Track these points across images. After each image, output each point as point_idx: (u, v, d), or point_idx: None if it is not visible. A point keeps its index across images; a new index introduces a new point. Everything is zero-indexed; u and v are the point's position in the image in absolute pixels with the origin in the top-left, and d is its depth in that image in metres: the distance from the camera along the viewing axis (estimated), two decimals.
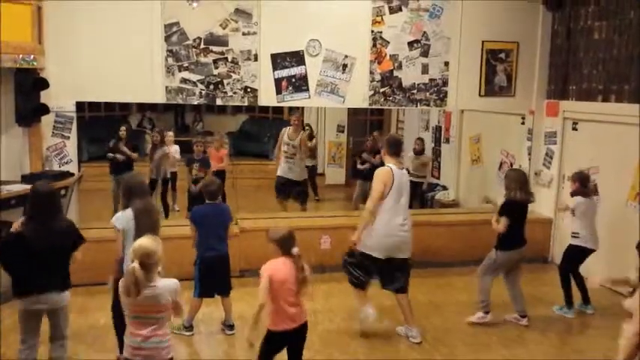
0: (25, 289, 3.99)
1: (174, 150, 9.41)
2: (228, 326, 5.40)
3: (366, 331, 5.37)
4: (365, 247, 5.13)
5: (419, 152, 10.00)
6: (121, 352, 3.87)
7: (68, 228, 4.12)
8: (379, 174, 5.12)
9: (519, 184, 5.47)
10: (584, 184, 5.90)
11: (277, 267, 3.83)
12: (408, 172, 5.70)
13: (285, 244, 3.88)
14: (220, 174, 8.77)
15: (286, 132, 8.54)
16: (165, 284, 3.41)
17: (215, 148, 9.22)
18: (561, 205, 6.48)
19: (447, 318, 5.85)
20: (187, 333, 5.32)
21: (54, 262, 4.00)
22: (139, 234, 4.20)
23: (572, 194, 6.00)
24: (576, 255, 5.96)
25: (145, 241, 3.40)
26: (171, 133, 9.77)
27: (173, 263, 5.31)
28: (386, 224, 5.06)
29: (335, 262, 6.78)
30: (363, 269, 5.22)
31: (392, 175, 5.07)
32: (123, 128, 9.27)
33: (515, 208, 5.47)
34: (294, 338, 3.90)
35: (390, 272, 5.20)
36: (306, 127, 11.05)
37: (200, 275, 5.25)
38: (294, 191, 8.61)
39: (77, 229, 4.24)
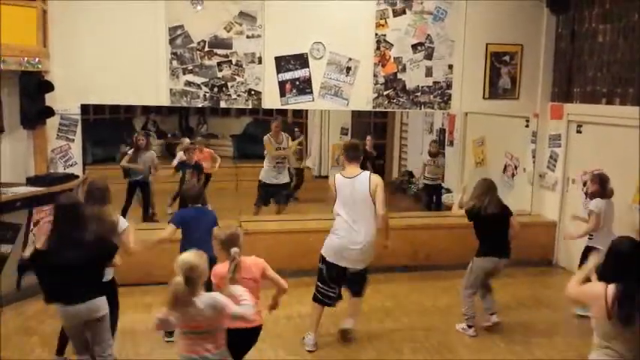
0: (51, 301, 3.97)
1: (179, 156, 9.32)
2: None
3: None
4: (325, 253, 5.10)
5: (434, 155, 9.81)
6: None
7: (96, 240, 4.01)
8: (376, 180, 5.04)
9: (483, 194, 5.43)
10: (603, 186, 5.84)
11: (221, 271, 3.72)
12: (409, 175, 5.64)
13: (226, 244, 3.77)
14: (206, 176, 8.95)
15: (270, 139, 8.47)
16: (206, 300, 3.31)
17: (199, 150, 9.26)
18: (574, 217, 6.40)
19: (452, 322, 5.83)
20: (168, 339, 5.16)
21: (78, 274, 3.89)
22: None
23: (592, 196, 5.95)
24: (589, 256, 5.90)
25: (189, 256, 3.38)
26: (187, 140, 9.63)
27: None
28: (339, 232, 4.99)
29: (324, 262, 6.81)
30: (332, 280, 5.11)
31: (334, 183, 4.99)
32: (141, 137, 8.84)
33: (478, 218, 5.43)
34: (245, 338, 3.81)
35: (354, 282, 5.19)
36: (296, 130, 11.18)
37: None
38: (282, 195, 8.61)
39: (106, 240, 4.13)
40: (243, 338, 3.80)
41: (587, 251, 5.92)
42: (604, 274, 3.32)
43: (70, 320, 3.99)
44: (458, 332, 5.58)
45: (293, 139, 9.87)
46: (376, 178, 5.01)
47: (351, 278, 5.14)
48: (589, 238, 5.94)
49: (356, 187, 4.93)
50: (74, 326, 4.01)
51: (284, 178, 8.61)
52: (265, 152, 8.67)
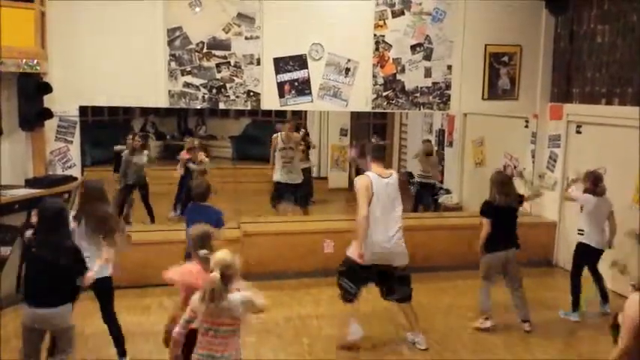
0: (25, 299, 3.98)
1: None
2: None
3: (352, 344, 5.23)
4: (355, 254, 5.07)
5: (427, 154, 9.83)
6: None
7: (71, 250, 4.04)
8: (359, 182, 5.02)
9: (499, 188, 5.49)
10: (595, 184, 5.86)
11: (184, 271, 3.71)
12: (409, 175, 5.64)
13: (195, 244, 3.73)
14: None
15: (279, 137, 8.52)
16: (237, 297, 3.39)
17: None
18: (567, 195, 6.32)
19: (451, 322, 5.83)
20: None
21: (50, 279, 3.92)
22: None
23: (584, 192, 5.98)
24: (581, 253, 5.93)
25: (225, 254, 3.44)
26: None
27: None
28: (373, 232, 4.97)
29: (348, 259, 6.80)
30: (353, 279, 5.12)
31: (371, 183, 4.96)
32: (137, 138, 8.85)
33: (495, 211, 5.46)
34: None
35: (385, 282, 5.13)
36: (302, 130, 11.11)
37: None
38: (297, 195, 8.57)
39: (82, 258, 4.12)
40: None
41: (580, 248, 5.94)
42: None
43: (30, 322, 3.95)
44: (457, 333, 5.57)
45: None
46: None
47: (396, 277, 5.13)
48: (579, 233, 5.99)
49: (390, 186, 5.04)
50: (32, 330, 3.97)
51: (296, 179, 8.55)
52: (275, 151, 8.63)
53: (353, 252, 5.04)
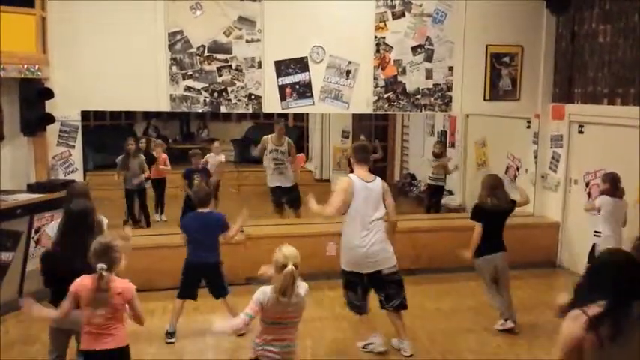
0: (55, 301, 3.92)
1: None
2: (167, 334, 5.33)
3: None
4: (342, 262, 5.07)
5: (438, 155, 9.61)
6: None
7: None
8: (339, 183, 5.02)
9: (489, 191, 5.45)
10: (614, 186, 5.86)
11: (83, 282, 3.49)
12: (411, 178, 5.59)
13: (94, 256, 3.46)
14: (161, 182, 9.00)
15: (269, 139, 8.48)
16: (302, 289, 3.56)
17: (157, 153, 9.31)
18: (588, 205, 6.40)
19: (455, 324, 5.81)
20: (169, 340, 5.26)
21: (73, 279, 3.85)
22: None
23: (601, 194, 5.99)
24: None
25: (291, 248, 3.58)
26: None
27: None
28: (352, 238, 4.97)
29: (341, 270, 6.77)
30: (352, 290, 5.10)
31: (351, 185, 4.91)
32: (131, 142, 8.92)
33: (485, 215, 5.43)
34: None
35: (379, 289, 5.08)
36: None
37: (183, 277, 5.31)
38: (289, 198, 8.55)
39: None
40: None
41: (593, 249, 5.93)
42: (583, 293, 2.70)
43: (60, 324, 3.94)
44: (461, 335, 5.55)
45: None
46: (385, 184, 5.05)
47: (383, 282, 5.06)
48: (595, 235, 5.97)
49: (372, 191, 4.93)
50: (62, 331, 4.00)
51: (286, 181, 8.51)
52: (255, 153, 8.64)
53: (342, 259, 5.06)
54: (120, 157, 8.84)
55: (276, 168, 8.45)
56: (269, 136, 8.55)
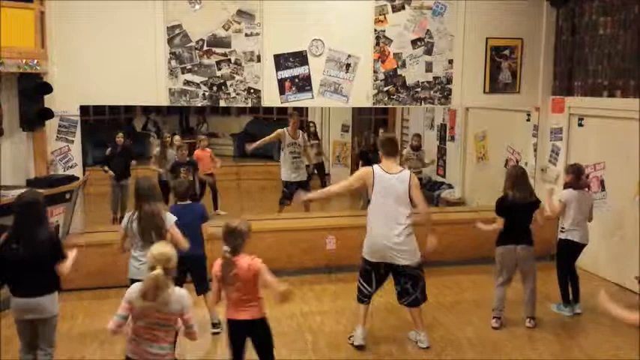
0: (13, 293, 4.07)
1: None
2: (212, 324, 5.33)
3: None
4: (363, 250, 5.08)
5: (416, 148, 9.68)
6: None
7: (50, 240, 4.12)
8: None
9: (512, 182, 5.43)
10: (578, 177, 5.80)
11: (217, 264, 3.88)
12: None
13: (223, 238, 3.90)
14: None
15: (286, 133, 8.48)
16: (178, 293, 3.41)
17: (201, 148, 9.34)
18: (548, 210, 6.03)
19: (455, 318, 5.82)
20: (214, 330, 5.32)
21: (34, 269, 4.00)
22: (142, 237, 4.50)
23: (565, 186, 5.93)
24: (563, 249, 5.88)
25: (164, 248, 3.43)
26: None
27: None
28: (372, 228, 4.97)
29: (341, 263, 6.79)
30: (366, 280, 5.10)
31: (369, 175, 4.93)
32: (120, 135, 8.98)
33: (508, 207, 5.41)
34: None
35: (397, 282, 5.09)
36: (311, 124, 11.04)
37: None
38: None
39: (60, 244, 4.22)
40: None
41: (559, 244, 5.90)
42: None
43: (19, 314, 4.08)
44: (460, 329, 5.56)
45: (308, 135, 9.80)
46: (414, 178, 5.02)
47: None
48: (560, 231, 5.96)
49: (396, 183, 4.90)
50: (22, 321, 4.10)
51: (301, 176, 8.52)
52: (281, 147, 8.58)
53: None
54: (109, 150, 8.92)
55: (294, 162, 8.44)
56: (284, 129, 8.53)
